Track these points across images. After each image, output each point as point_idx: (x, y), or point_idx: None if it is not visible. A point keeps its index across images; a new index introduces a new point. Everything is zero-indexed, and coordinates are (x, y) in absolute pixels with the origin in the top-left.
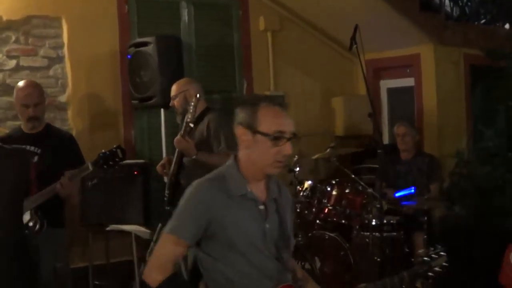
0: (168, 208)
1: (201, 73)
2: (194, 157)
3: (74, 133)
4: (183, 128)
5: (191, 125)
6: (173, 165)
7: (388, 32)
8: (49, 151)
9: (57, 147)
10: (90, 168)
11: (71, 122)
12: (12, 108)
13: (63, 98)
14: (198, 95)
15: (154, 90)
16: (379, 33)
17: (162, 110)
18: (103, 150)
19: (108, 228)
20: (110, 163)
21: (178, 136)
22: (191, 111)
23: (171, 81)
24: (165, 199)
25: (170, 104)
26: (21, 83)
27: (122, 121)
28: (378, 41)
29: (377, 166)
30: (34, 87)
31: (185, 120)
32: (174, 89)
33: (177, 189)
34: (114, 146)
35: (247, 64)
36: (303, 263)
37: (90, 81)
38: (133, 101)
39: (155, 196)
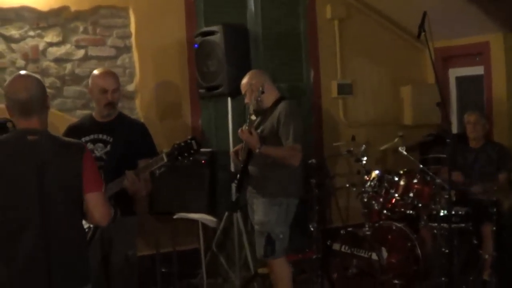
0: (237, 195)
1: (267, 62)
2: (257, 151)
3: None
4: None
5: (253, 117)
6: (242, 152)
7: (457, 19)
8: (121, 139)
9: (129, 136)
10: (165, 159)
11: (139, 111)
12: (81, 97)
13: (131, 87)
14: (261, 88)
15: (221, 79)
16: (447, 20)
17: (229, 99)
18: (177, 141)
19: (175, 216)
20: (185, 154)
21: (243, 127)
22: (253, 103)
23: (237, 70)
24: (234, 186)
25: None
26: (97, 70)
27: (189, 110)
28: (446, 29)
29: (445, 155)
30: (112, 74)
31: (249, 112)
32: (241, 87)
33: (245, 177)
34: (189, 137)
35: (314, 53)
36: (369, 254)
37: (158, 70)
38: (200, 90)
39: (221, 185)
